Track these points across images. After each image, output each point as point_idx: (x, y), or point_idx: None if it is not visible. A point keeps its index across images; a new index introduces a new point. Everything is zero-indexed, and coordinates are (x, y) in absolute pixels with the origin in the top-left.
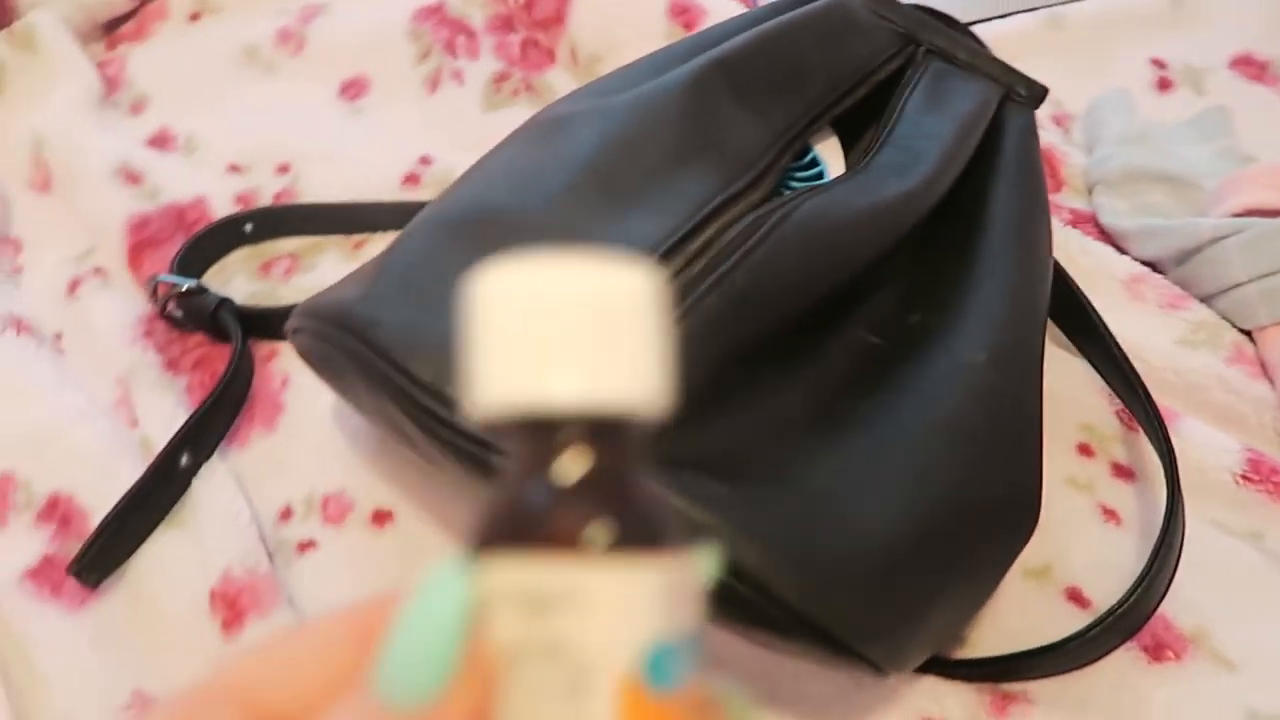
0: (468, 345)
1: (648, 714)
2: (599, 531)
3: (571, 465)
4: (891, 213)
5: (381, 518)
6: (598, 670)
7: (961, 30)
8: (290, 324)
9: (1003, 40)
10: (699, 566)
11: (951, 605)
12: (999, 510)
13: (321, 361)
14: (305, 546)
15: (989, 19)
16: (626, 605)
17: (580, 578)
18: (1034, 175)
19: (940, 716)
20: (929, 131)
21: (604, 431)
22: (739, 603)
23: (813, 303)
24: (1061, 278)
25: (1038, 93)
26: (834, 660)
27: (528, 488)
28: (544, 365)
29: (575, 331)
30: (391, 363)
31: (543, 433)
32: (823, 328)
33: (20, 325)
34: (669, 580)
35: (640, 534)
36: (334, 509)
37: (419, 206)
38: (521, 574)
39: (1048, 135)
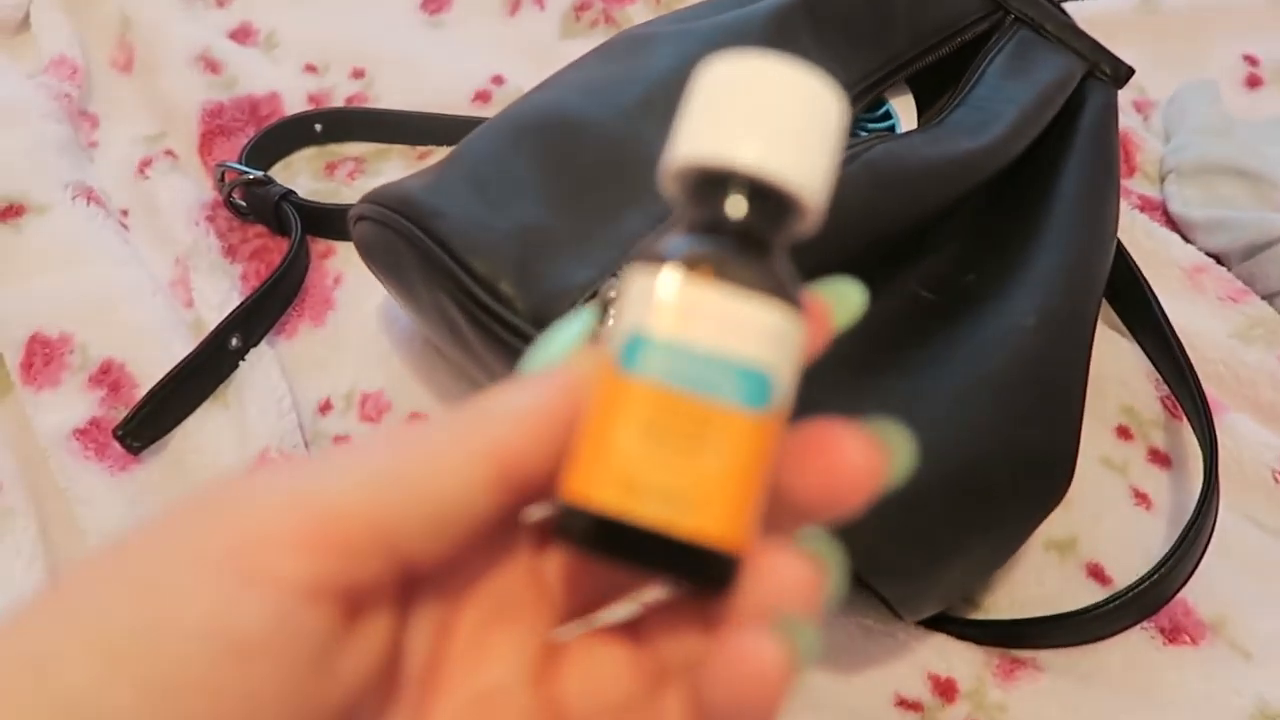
0: (682, 111)
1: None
2: (737, 268)
3: (738, 206)
4: (961, 166)
5: (418, 419)
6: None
7: (1053, 2)
8: (354, 212)
9: (1094, 20)
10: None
11: (973, 557)
12: (1032, 469)
13: (382, 251)
14: (341, 440)
15: None
16: (743, 328)
17: (712, 298)
18: (1109, 153)
19: (947, 674)
20: (1008, 96)
21: (769, 199)
22: None
23: (872, 246)
24: (1123, 259)
25: (1123, 72)
26: (848, 595)
27: (693, 225)
28: (739, 132)
29: (771, 115)
30: (451, 254)
31: (720, 188)
32: (878, 275)
33: (91, 195)
34: (784, 326)
35: (772, 286)
36: (372, 407)
37: None
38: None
39: (1126, 120)
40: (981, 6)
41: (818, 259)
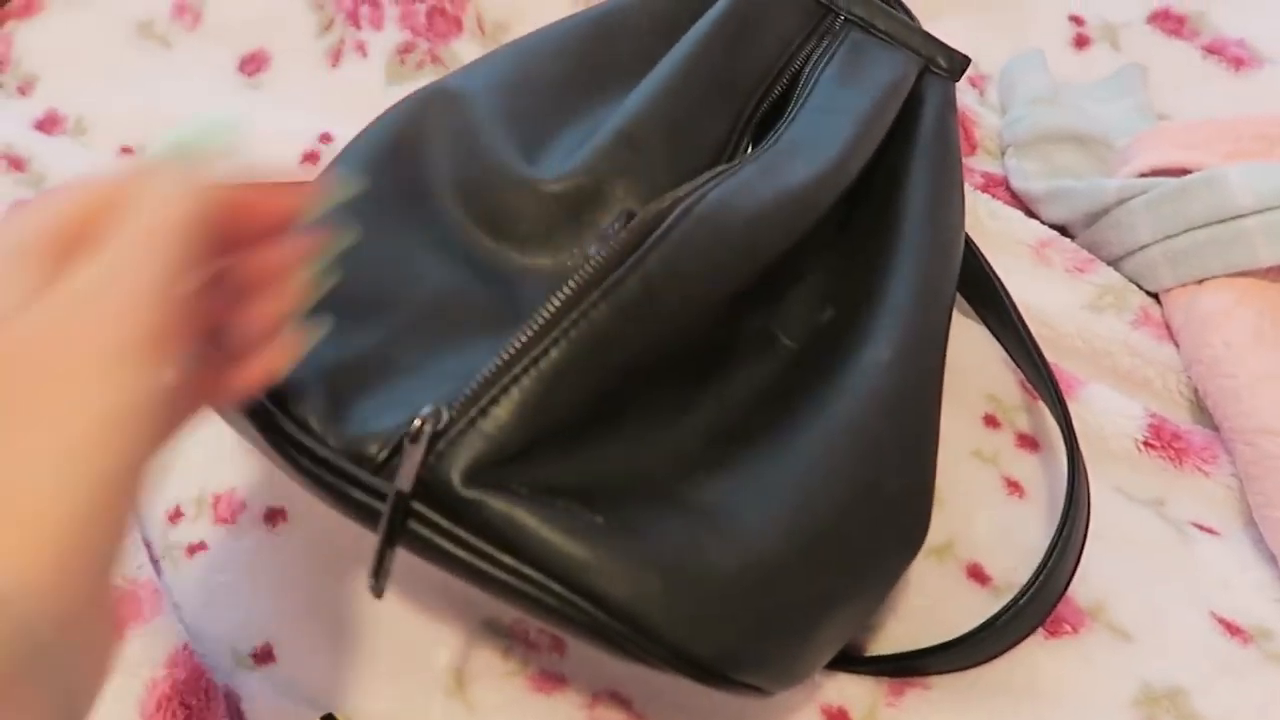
0: None
1: None
2: None
3: None
4: (799, 201)
5: (275, 516)
6: None
7: (878, 2)
8: None
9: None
10: None
11: (840, 620)
12: (892, 519)
13: None
14: (195, 549)
15: None
16: None
17: None
18: (950, 151)
19: (841, 704)
20: (843, 106)
21: None
22: (612, 636)
23: (715, 307)
24: (968, 247)
25: (959, 65)
26: (716, 688)
27: None
28: None
29: None
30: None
31: None
32: (726, 335)
33: None
34: None
35: None
36: (225, 508)
37: None
38: None
39: (962, 97)
40: (809, 18)
41: (652, 340)
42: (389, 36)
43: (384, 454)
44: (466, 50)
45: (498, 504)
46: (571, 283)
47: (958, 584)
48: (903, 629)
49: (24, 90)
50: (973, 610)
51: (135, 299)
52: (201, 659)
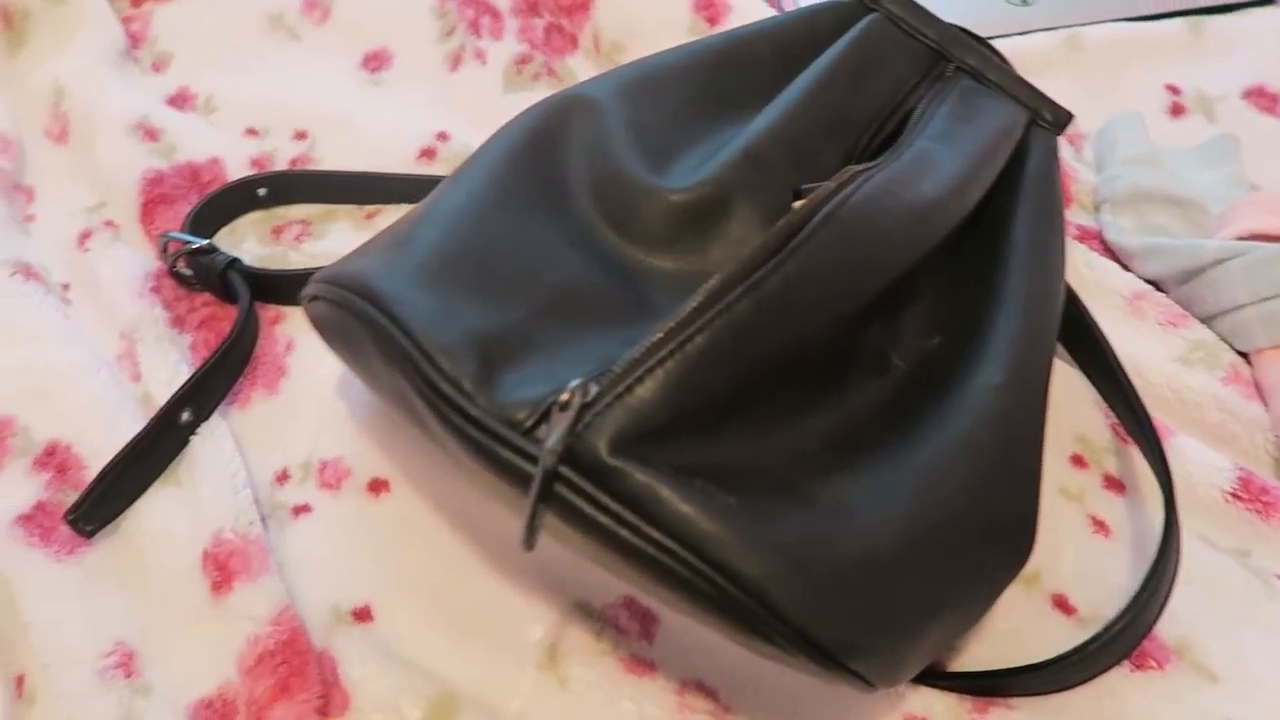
0: None
1: None
2: None
3: None
4: (924, 220)
5: (378, 486)
6: None
7: (992, 50)
8: (307, 291)
9: (1022, 56)
10: None
11: (945, 625)
12: (1000, 531)
13: (336, 330)
14: (300, 511)
15: (1011, 35)
16: None
17: None
18: (1054, 198)
19: (925, 716)
20: (958, 140)
21: None
22: (740, 611)
23: (842, 317)
24: (1067, 292)
25: (1062, 119)
26: (824, 675)
27: None
28: None
29: None
30: (414, 341)
31: None
32: (847, 348)
33: (29, 272)
34: None
35: None
36: (331, 474)
37: (433, 180)
38: None
39: (1060, 153)
40: (921, 64)
41: (786, 340)
42: (507, 47)
43: (531, 420)
44: (580, 66)
45: (640, 475)
46: (718, 277)
47: (1043, 613)
48: (987, 651)
49: (158, 67)
50: (1057, 639)
51: None
52: (301, 620)
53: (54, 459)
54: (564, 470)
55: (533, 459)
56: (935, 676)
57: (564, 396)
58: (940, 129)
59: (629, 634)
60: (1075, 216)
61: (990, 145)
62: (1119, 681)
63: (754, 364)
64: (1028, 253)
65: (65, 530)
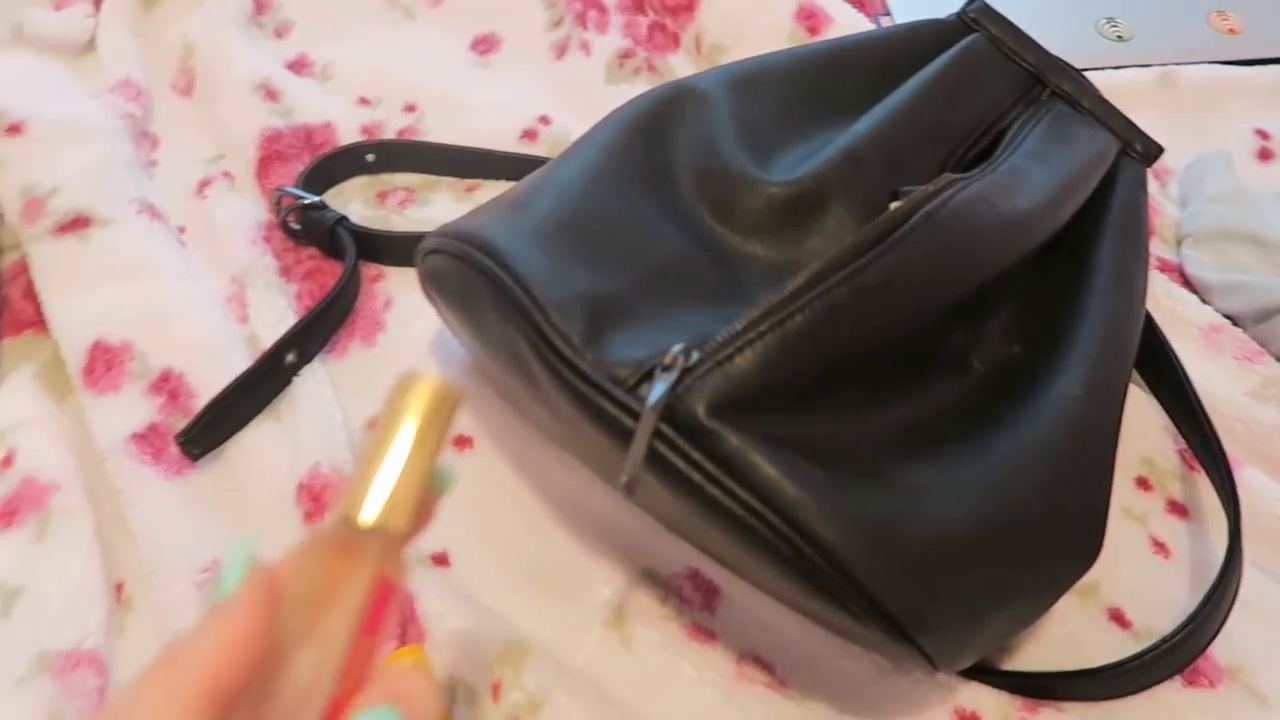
0: None
1: None
2: None
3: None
4: (1018, 229)
5: (462, 442)
6: None
7: (1087, 81)
8: (425, 245)
9: (1115, 90)
10: None
11: (1010, 615)
12: (1070, 532)
13: (451, 284)
14: None
15: (1105, 68)
16: None
17: None
18: (1140, 226)
19: (975, 710)
20: (1052, 158)
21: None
22: (818, 577)
23: (931, 314)
24: (1146, 321)
25: (1153, 151)
26: (891, 649)
27: None
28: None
29: None
30: (530, 295)
31: None
32: (932, 345)
33: (153, 211)
34: None
35: None
36: None
37: (534, 160)
38: None
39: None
40: (1018, 86)
41: (879, 329)
42: (612, 41)
43: (634, 379)
44: (680, 65)
45: (734, 438)
46: (821, 261)
47: (1098, 623)
48: (1039, 654)
49: (280, 34)
50: (1110, 649)
51: None
52: None
53: (167, 385)
54: (663, 427)
55: (634, 414)
56: (987, 673)
57: (667, 359)
58: (1034, 148)
59: (692, 604)
60: (1157, 249)
61: (1081, 168)
62: (1170, 695)
63: (846, 348)
64: (1111, 276)
65: (174, 451)
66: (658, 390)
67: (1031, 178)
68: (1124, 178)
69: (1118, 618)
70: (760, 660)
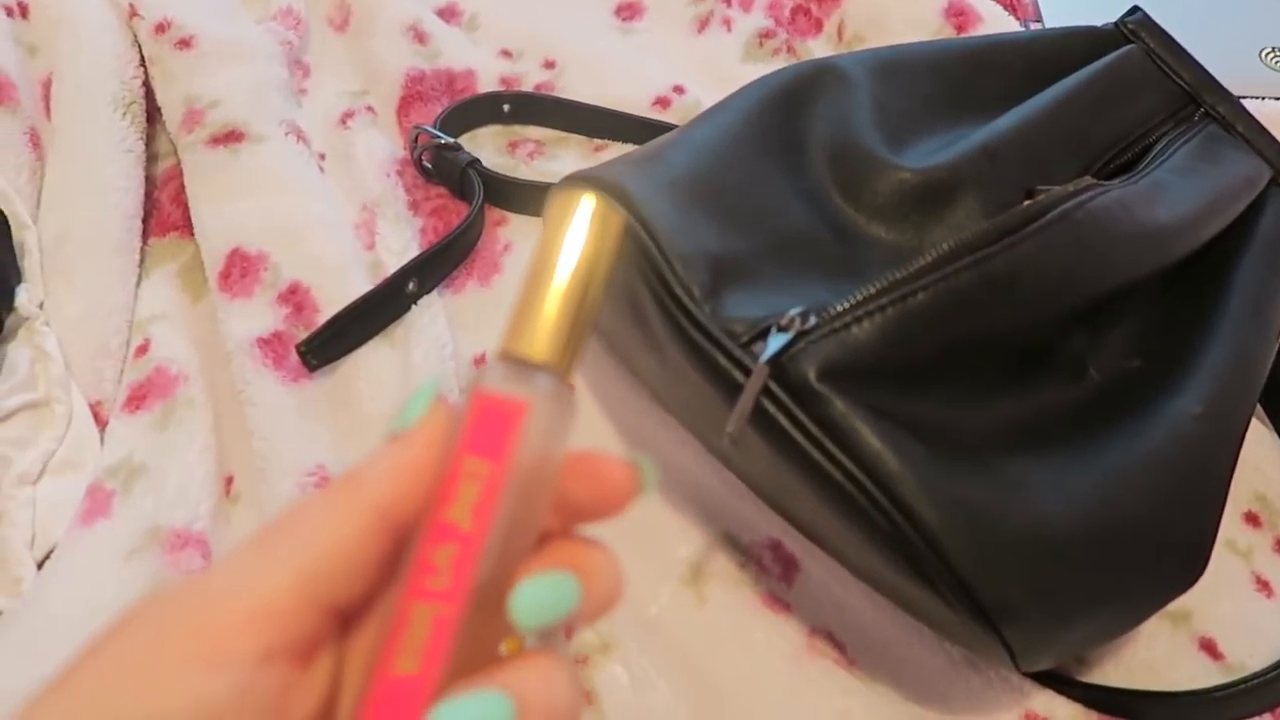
0: None
1: None
2: None
3: None
4: (1154, 241)
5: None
6: None
7: (1242, 106)
8: (559, 186)
9: (1272, 120)
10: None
11: (1098, 623)
12: (1173, 550)
13: None
14: None
15: (1264, 97)
16: None
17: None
18: None
19: (1046, 717)
20: (1198, 177)
21: None
22: (911, 553)
23: (1053, 315)
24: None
25: None
26: (974, 636)
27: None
28: None
29: None
30: (656, 243)
31: None
32: (1050, 346)
33: (300, 134)
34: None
35: None
36: None
37: (664, 127)
38: None
39: None
40: (1171, 102)
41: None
42: (754, 20)
43: (748, 336)
44: (820, 49)
45: (841, 404)
46: (950, 243)
47: (1187, 652)
48: (1120, 673)
49: None
50: (1197, 678)
51: None
52: None
53: (295, 297)
54: (772, 385)
55: (745, 369)
56: (1064, 682)
57: (784, 320)
58: (1181, 165)
59: (770, 573)
60: None
61: (1228, 191)
62: None
63: (963, 335)
64: (1246, 303)
65: (294, 359)
66: (772, 347)
67: (1175, 193)
68: (1273, 206)
69: (1209, 648)
70: (832, 638)
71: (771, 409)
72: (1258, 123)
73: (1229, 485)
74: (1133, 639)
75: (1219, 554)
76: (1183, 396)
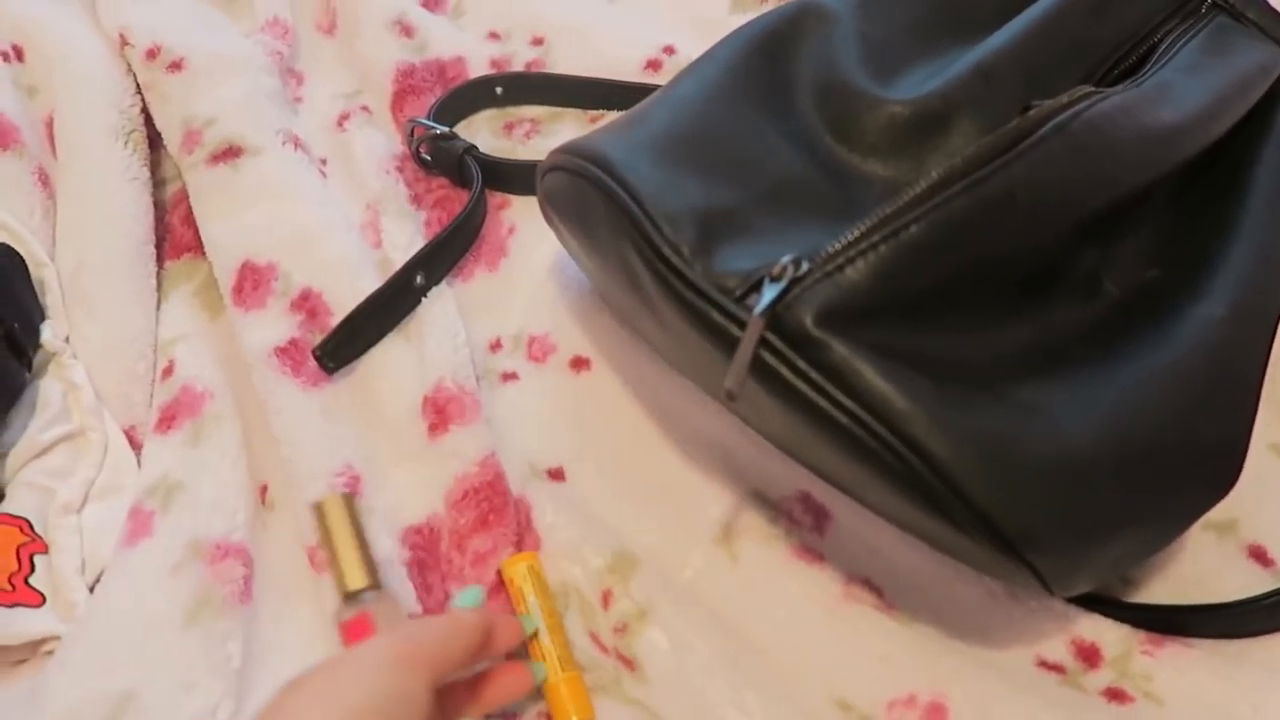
0: None
1: None
2: None
3: None
4: (1160, 143)
5: (579, 364)
6: None
7: None
8: (546, 163)
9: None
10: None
11: (1130, 541)
12: (1202, 459)
13: (569, 200)
14: (508, 377)
15: None
16: None
17: None
18: None
19: (1094, 641)
20: (1206, 73)
21: None
22: (926, 490)
23: (1059, 230)
24: None
25: None
26: (1002, 567)
27: None
28: None
29: None
30: (641, 206)
31: None
32: (1059, 264)
33: (297, 143)
34: None
35: None
36: (538, 348)
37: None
38: None
39: None
40: (1172, 1)
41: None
42: None
43: (742, 290)
44: None
45: (841, 348)
46: (941, 171)
47: (1235, 561)
48: (1167, 590)
49: None
50: (1247, 587)
51: None
52: (503, 468)
53: (307, 303)
54: (769, 336)
55: (740, 323)
56: (1110, 605)
57: (775, 270)
58: (1187, 62)
59: (802, 525)
60: None
61: (1240, 82)
62: None
63: (965, 262)
64: (1268, 196)
65: (312, 364)
66: (765, 299)
67: (1181, 92)
68: None
69: (1259, 555)
70: (869, 583)
71: (772, 360)
72: (1270, 7)
73: (1260, 387)
74: (1178, 553)
75: (1264, 457)
76: (1205, 301)
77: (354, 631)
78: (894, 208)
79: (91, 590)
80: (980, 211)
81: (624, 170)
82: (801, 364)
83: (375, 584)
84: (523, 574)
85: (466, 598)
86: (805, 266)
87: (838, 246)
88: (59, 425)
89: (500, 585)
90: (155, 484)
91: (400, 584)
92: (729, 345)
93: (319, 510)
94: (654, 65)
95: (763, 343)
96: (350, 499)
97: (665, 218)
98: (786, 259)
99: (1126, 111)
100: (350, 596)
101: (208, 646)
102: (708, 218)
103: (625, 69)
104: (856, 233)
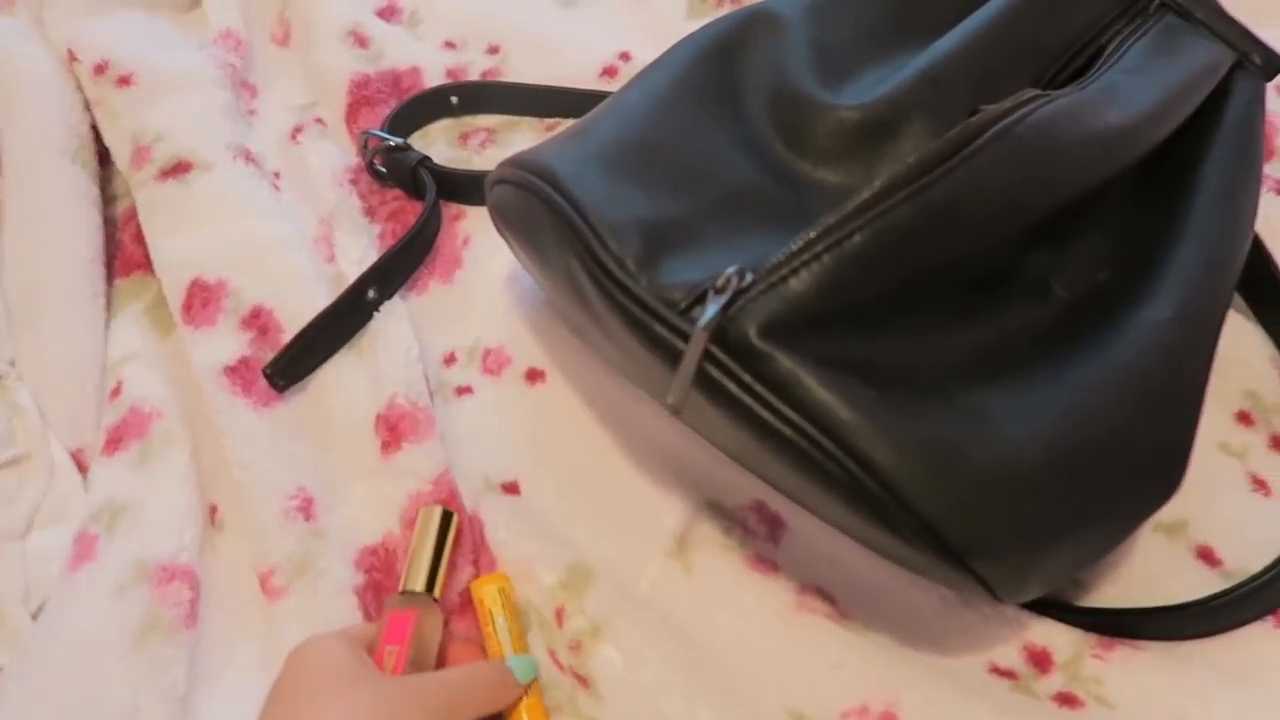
0: None
1: None
2: None
3: None
4: (1106, 145)
5: (535, 375)
6: None
7: None
8: (493, 176)
9: (1244, 3)
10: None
11: (1078, 545)
12: (1149, 461)
13: (516, 214)
14: (463, 391)
15: None
16: None
17: None
18: (1253, 144)
19: (1046, 646)
20: (1154, 73)
21: None
22: (869, 500)
23: (1007, 235)
24: (1256, 244)
25: (1274, 64)
26: (948, 576)
27: None
28: None
29: None
30: (585, 219)
31: None
32: (1008, 268)
33: (249, 157)
34: None
35: None
36: (493, 361)
37: None
38: None
39: (1269, 104)
40: (1120, 1)
41: (947, 251)
42: None
43: (686, 302)
44: None
45: (785, 360)
46: (883, 179)
47: (1185, 562)
48: (1118, 593)
49: None
50: (1196, 588)
51: None
52: (457, 485)
53: (258, 320)
54: (713, 349)
55: (684, 336)
56: (1061, 609)
57: (720, 281)
58: (1134, 63)
59: (756, 535)
60: (1275, 171)
61: (1187, 81)
62: (1259, 637)
63: (911, 269)
64: (1216, 194)
65: (263, 383)
66: (709, 312)
67: (1128, 93)
68: (1239, 92)
69: (1206, 556)
70: (822, 592)
71: (716, 373)
72: (1218, 6)
73: (1205, 387)
74: (1129, 555)
75: (1212, 458)
76: (1152, 303)
77: (395, 622)
78: (837, 217)
79: (35, 618)
80: (924, 219)
81: (569, 183)
82: (746, 376)
83: (431, 596)
84: (493, 595)
85: (521, 665)
86: (750, 278)
87: (781, 257)
88: (2, 450)
89: (467, 605)
90: (101, 508)
91: (350, 614)
92: (673, 359)
93: (420, 515)
94: (610, 72)
95: (706, 355)
96: (450, 516)
97: (610, 230)
98: (731, 270)
99: (1072, 115)
100: (406, 595)
101: (153, 672)
102: (654, 229)
103: (582, 76)
104: (800, 243)
